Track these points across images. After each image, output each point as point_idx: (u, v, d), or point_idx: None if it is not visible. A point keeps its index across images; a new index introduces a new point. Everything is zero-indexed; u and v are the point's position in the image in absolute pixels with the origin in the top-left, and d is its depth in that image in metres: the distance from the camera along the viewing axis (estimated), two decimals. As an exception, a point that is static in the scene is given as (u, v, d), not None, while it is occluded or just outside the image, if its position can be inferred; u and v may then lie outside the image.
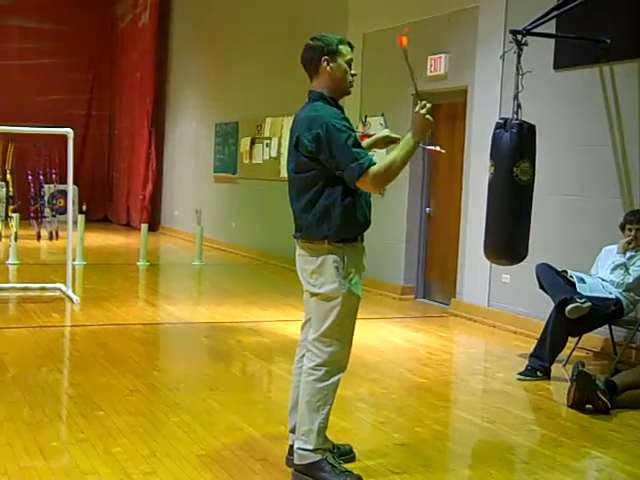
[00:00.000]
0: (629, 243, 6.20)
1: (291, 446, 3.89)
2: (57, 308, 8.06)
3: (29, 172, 13.07)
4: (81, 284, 9.78)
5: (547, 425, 4.91)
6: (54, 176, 12.87)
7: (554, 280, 6.20)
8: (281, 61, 11.93)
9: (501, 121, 6.24)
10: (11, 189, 12.59)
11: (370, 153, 3.75)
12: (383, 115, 9.63)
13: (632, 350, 6.42)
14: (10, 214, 11.94)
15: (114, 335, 6.93)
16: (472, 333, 7.80)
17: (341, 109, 3.80)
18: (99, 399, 4.94)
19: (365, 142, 3.96)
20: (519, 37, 6.33)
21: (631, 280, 6.10)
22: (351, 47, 3.84)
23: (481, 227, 6.53)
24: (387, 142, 4.13)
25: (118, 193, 19.08)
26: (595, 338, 6.70)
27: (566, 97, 7.33)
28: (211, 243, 13.82)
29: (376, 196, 3.79)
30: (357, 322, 3.80)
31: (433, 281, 9.44)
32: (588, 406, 5.13)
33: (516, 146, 6.04)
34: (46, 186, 13.33)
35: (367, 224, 3.79)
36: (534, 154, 6.13)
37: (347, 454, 4.03)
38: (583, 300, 5.86)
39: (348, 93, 3.86)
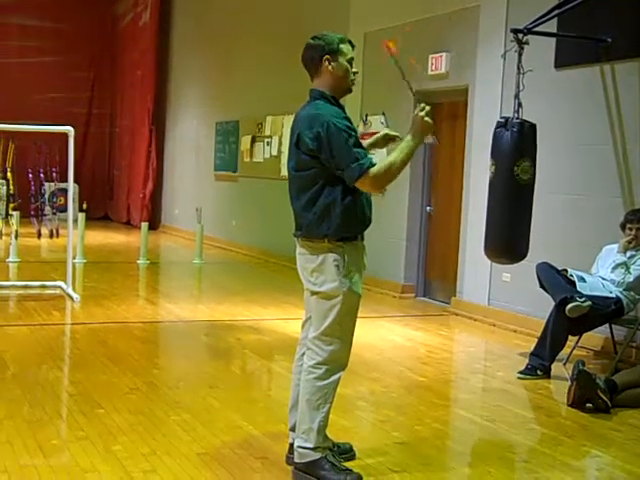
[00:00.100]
0: (629, 242, 6.20)
1: (291, 444, 3.89)
2: (57, 306, 8.06)
3: (30, 170, 13.07)
4: (81, 282, 9.78)
5: (547, 424, 4.91)
6: (54, 174, 12.87)
7: (554, 279, 6.20)
8: (282, 60, 11.93)
9: (502, 120, 6.24)
10: (11, 187, 12.59)
11: (370, 154, 3.75)
12: (384, 114, 9.63)
13: (632, 349, 6.42)
14: (10, 212, 11.95)
15: (114, 333, 6.94)
16: (472, 332, 7.80)
17: (342, 108, 3.80)
18: (99, 397, 4.95)
19: (365, 142, 3.96)
20: (520, 36, 6.33)
21: (632, 279, 6.10)
22: (352, 45, 3.84)
23: (482, 226, 6.53)
24: (387, 140, 4.12)
25: (119, 191, 19.08)
26: (595, 337, 6.70)
27: (567, 96, 7.33)
28: (211, 241, 13.82)
29: (377, 195, 3.79)
30: (357, 320, 3.80)
31: (433, 280, 9.44)
32: (588, 405, 5.13)
33: (517, 145, 6.04)
34: (46, 184, 13.32)
35: (367, 223, 3.79)
36: (535, 153, 6.13)
37: (347, 452, 4.04)
38: (583, 299, 5.86)
39: (350, 91, 3.86)
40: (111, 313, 7.82)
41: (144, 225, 12.03)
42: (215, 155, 14.88)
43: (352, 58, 3.81)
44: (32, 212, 12.70)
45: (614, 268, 6.18)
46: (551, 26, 6.95)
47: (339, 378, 3.77)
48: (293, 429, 3.89)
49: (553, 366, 6.02)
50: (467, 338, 7.67)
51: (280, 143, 12.20)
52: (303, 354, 3.86)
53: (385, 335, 7.40)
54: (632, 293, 6.13)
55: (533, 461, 4.24)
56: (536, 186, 6.19)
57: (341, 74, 3.78)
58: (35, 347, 6.29)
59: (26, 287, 8.97)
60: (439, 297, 9.23)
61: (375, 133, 4.25)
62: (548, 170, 7.07)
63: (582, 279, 6.15)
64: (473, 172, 8.34)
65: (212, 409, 4.86)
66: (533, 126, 6.12)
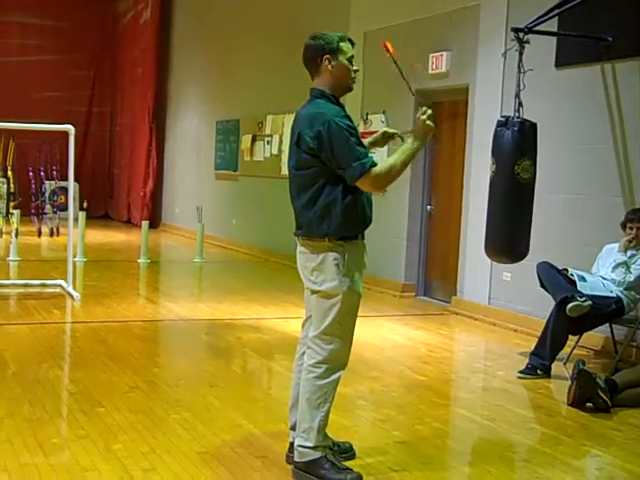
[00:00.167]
0: (630, 242, 6.19)
1: (291, 443, 3.89)
2: (58, 305, 8.06)
3: (30, 168, 13.09)
4: (82, 281, 9.77)
5: (547, 423, 4.91)
6: (55, 173, 12.89)
7: (555, 278, 6.20)
8: (282, 59, 11.93)
9: (502, 119, 6.24)
10: (12, 186, 12.61)
11: (370, 152, 3.75)
12: (384, 113, 9.63)
13: (633, 349, 6.42)
14: (11, 210, 11.96)
15: (114, 332, 6.94)
16: (472, 331, 7.80)
17: (342, 107, 3.80)
18: (99, 396, 4.95)
19: (365, 141, 3.96)
20: (521, 35, 6.33)
21: (632, 279, 6.10)
22: (352, 43, 3.83)
23: (482, 225, 6.53)
24: (386, 138, 4.13)
25: (119, 190, 19.08)
26: (596, 336, 6.70)
27: (567, 95, 7.33)
28: (212, 240, 13.83)
29: (377, 194, 3.80)
30: (358, 319, 3.80)
31: (434, 279, 9.44)
32: (588, 404, 5.13)
33: (517, 144, 6.04)
34: (47, 183, 13.35)
35: (368, 222, 3.79)
36: (535, 152, 6.13)
37: (347, 452, 4.04)
38: (584, 299, 5.86)
39: (350, 90, 3.85)
40: (111, 312, 7.83)
41: (144, 224, 12.03)
42: (215, 154, 14.87)
43: (352, 56, 3.80)
44: (32, 210, 12.73)
45: (615, 267, 6.18)
46: (552, 25, 6.95)
47: (339, 377, 3.77)
48: (293, 428, 3.89)
49: (553, 365, 6.01)
50: (467, 337, 7.67)
51: (280, 142, 12.19)
52: (303, 353, 3.86)
53: (385, 334, 7.40)
54: (632, 292, 6.13)
55: (533, 460, 4.24)
56: (536, 185, 6.19)
57: (341, 73, 3.77)
58: (35, 346, 6.29)
59: (26, 286, 8.97)
60: (439, 296, 9.23)
61: (375, 132, 4.25)
62: (549, 169, 7.07)
63: (582, 278, 6.15)
64: (474, 171, 8.33)
65: (212, 408, 4.86)
66: (534, 125, 6.12)
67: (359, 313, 3.80)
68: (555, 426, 4.83)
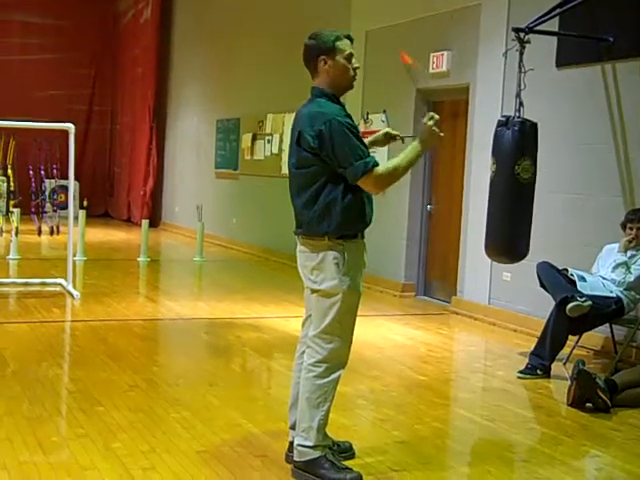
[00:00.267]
0: (630, 242, 6.19)
1: (291, 443, 3.89)
2: (57, 303, 8.06)
3: (30, 167, 13.08)
4: (82, 279, 9.78)
5: (547, 423, 4.91)
6: (55, 171, 12.89)
7: (555, 278, 6.19)
8: (282, 58, 11.93)
9: (503, 119, 6.23)
10: (12, 184, 12.61)
11: (371, 152, 3.75)
12: (385, 112, 9.63)
13: (632, 349, 6.42)
14: (11, 209, 11.96)
15: (114, 331, 6.93)
16: (472, 331, 7.80)
17: (343, 106, 3.79)
18: (99, 394, 4.95)
19: (366, 141, 3.96)
20: (521, 35, 6.32)
21: (632, 279, 6.09)
22: (351, 40, 3.80)
23: (482, 225, 6.53)
24: (387, 139, 4.13)
25: (119, 188, 19.08)
26: (595, 337, 6.70)
27: (568, 95, 7.32)
28: (212, 239, 13.82)
29: (377, 195, 3.79)
30: (357, 319, 3.80)
31: (434, 279, 9.44)
32: (588, 405, 5.13)
33: (518, 144, 6.04)
34: (47, 181, 13.36)
35: (368, 221, 3.79)
36: (536, 152, 6.13)
37: (347, 451, 4.03)
38: (584, 299, 5.85)
39: (350, 88, 3.84)
40: (111, 310, 7.83)
41: (144, 222, 12.03)
42: (216, 153, 14.87)
43: (351, 54, 3.77)
44: (32, 209, 12.73)
45: (615, 268, 6.17)
46: (552, 25, 6.94)
47: (339, 376, 3.77)
48: (293, 427, 3.89)
49: (553, 366, 6.01)
50: (467, 337, 7.67)
51: (281, 141, 12.19)
52: (303, 352, 3.86)
53: (385, 334, 7.39)
54: (632, 293, 6.13)
55: (533, 460, 4.24)
56: (537, 185, 6.18)
57: (338, 73, 3.76)
58: (35, 344, 6.29)
59: (26, 284, 8.96)
60: (439, 296, 9.23)
61: (376, 131, 4.25)
62: (549, 169, 7.07)
63: (582, 278, 6.15)
64: (474, 171, 8.33)
65: (212, 407, 4.86)
66: (534, 125, 6.11)
67: (359, 312, 3.80)
68: (555, 426, 4.83)
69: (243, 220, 13.65)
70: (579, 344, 6.47)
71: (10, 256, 10.98)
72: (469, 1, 8.48)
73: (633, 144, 6.71)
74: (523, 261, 6.35)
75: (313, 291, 3.75)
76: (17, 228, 11.03)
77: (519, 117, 6.14)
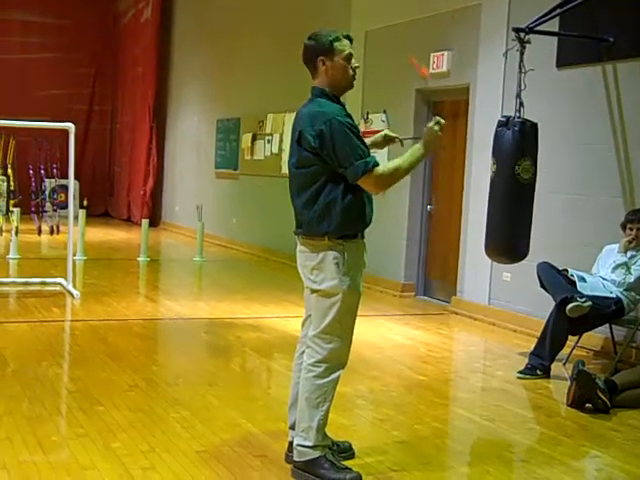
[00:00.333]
0: (630, 242, 6.19)
1: (290, 442, 3.89)
2: (57, 303, 8.06)
3: (30, 166, 13.08)
4: (81, 279, 9.78)
5: (546, 424, 4.91)
6: (55, 170, 12.89)
7: (555, 279, 6.19)
8: (283, 58, 11.93)
9: (503, 119, 6.23)
10: (12, 183, 12.61)
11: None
12: (385, 112, 9.63)
13: (632, 349, 6.42)
14: (11, 208, 11.96)
15: (114, 330, 6.93)
16: (472, 331, 7.80)
17: (343, 106, 3.80)
18: (99, 394, 4.95)
19: (366, 141, 3.96)
20: (522, 35, 6.32)
21: (632, 279, 6.09)
22: (350, 40, 3.79)
23: (482, 225, 6.52)
24: (386, 141, 4.14)
25: (119, 188, 19.08)
26: (595, 337, 6.70)
27: (568, 96, 7.32)
28: (212, 239, 13.83)
29: (377, 195, 3.80)
30: (357, 319, 3.80)
31: (434, 279, 9.44)
32: (588, 405, 5.13)
33: (518, 144, 6.03)
34: (47, 180, 13.35)
35: (368, 221, 3.79)
36: (536, 152, 6.12)
37: (346, 451, 4.03)
38: (584, 299, 5.85)
39: (350, 88, 3.84)
40: (111, 310, 7.82)
41: (144, 222, 12.03)
42: (216, 152, 14.87)
43: (350, 54, 3.77)
44: (32, 209, 12.73)
45: (615, 268, 6.17)
46: (553, 25, 6.94)
47: (338, 376, 3.76)
48: (292, 427, 3.89)
49: (553, 366, 6.01)
50: (467, 337, 7.67)
51: (281, 141, 12.20)
52: (303, 352, 3.86)
53: (385, 334, 7.39)
54: (632, 293, 6.13)
55: (532, 461, 4.24)
56: (537, 186, 6.18)
57: (337, 73, 3.76)
58: (35, 344, 6.29)
59: (26, 284, 8.96)
60: (439, 296, 9.23)
61: (376, 131, 4.25)
62: (549, 169, 7.07)
63: (582, 279, 6.15)
64: (474, 171, 8.33)
65: (211, 407, 4.86)
66: (534, 125, 6.11)
67: (359, 312, 3.80)
68: (554, 426, 4.83)
69: (243, 220, 13.65)
70: (579, 344, 6.47)
71: (10, 255, 10.98)
72: (469, 1, 8.48)
73: (633, 144, 6.71)
74: (523, 261, 6.34)
75: (313, 291, 3.75)
76: (17, 227, 11.03)
77: (519, 117, 6.14)
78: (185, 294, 9.43)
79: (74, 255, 9.57)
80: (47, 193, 13.66)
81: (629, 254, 6.20)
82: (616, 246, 6.28)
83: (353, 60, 3.79)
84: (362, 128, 9.43)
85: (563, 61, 7.33)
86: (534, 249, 6.35)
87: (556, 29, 7.09)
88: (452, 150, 8.88)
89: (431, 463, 4.11)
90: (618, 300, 6.07)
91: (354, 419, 4.79)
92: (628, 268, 6.13)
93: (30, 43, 18.64)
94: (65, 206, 10.24)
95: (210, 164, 15.06)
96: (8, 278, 9.42)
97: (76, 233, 10.19)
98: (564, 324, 5.93)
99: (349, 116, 3.73)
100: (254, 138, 13.18)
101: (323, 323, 3.70)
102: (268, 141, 12.69)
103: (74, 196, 10.03)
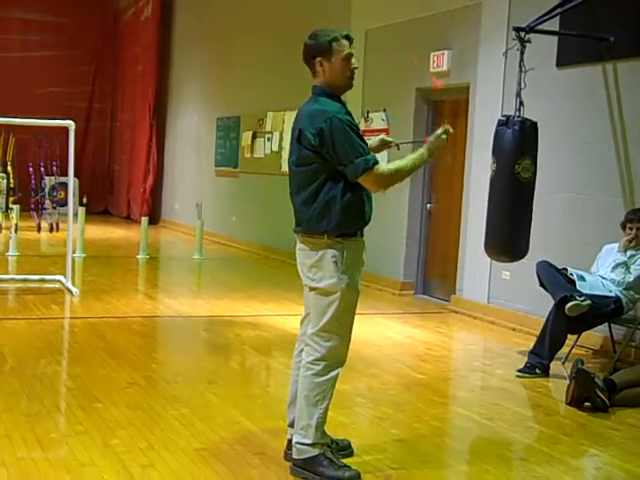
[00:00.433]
0: (630, 242, 6.19)
1: (289, 440, 3.89)
2: (56, 300, 8.06)
3: (30, 164, 13.05)
4: (81, 276, 9.78)
5: (545, 422, 4.91)
6: (55, 168, 12.85)
7: (554, 278, 6.19)
8: (283, 56, 11.92)
9: (503, 118, 6.23)
10: (12, 181, 12.59)
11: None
12: (385, 111, 9.62)
13: (631, 348, 6.42)
14: (10, 206, 11.94)
15: (113, 328, 6.93)
16: (471, 330, 7.80)
17: (343, 104, 3.80)
18: (97, 391, 4.95)
19: None
20: (522, 34, 6.32)
21: (632, 279, 6.09)
22: (350, 40, 3.78)
23: (482, 224, 6.53)
24: (383, 145, 4.15)
25: (119, 186, 19.08)
26: (594, 336, 6.70)
27: (568, 95, 7.32)
28: (211, 237, 13.82)
29: (377, 193, 3.80)
30: (356, 317, 3.80)
31: (433, 277, 9.44)
32: (587, 404, 5.13)
33: (518, 143, 6.04)
34: (47, 178, 13.31)
35: (367, 219, 3.79)
36: (536, 151, 6.13)
37: (345, 449, 4.03)
38: (583, 298, 5.85)
39: (348, 88, 3.83)
40: (110, 307, 7.82)
41: (144, 220, 12.03)
42: (216, 150, 14.87)
43: (349, 54, 3.76)
44: (32, 206, 12.68)
45: (614, 267, 6.17)
46: (553, 24, 6.94)
47: (337, 374, 3.77)
48: (291, 425, 3.89)
49: (552, 365, 6.01)
50: (466, 336, 7.67)
51: (281, 139, 12.19)
52: (302, 350, 3.86)
53: (384, 332, 7.39)
54: (632, 292, 6.13)
55: (531, 459, 4.24)
56: (537, 185, 6.19)
57: (335, 73, 3.75)
58: (34, 341, 6.29)
59: (25, 281, 8.96)
60: (438, 295, 9.23)
61: (376, 130, 4.26)
62: (549, 169, 7.06)
63: (582, 278, 6.15)
64: (474, 170, 8.33)
65: (210, 404, 4.86)
66: (534, 124, 6.11)
67: (358, 311, 3.80)
68: (553, 425, 4.84)
69: (243, 218, 13.65)
70: (578, 343, 6.47)
71: (9, 253, 10.99)
72: (469, 0, 8.47)
73: (633, 144, 6.71)
74: (522, 260, 6.35)
75: (312, 289, 3.76)
76: (16, 225, 11.02)
77: (519, 116, 6.14)
78: (184, 292, 9.43)
79: (73, 252, 9.57)
80: (47, 190, 13.62)
81: (629, 253, 6.20)
82: (616, 245, 6.28)
83: (353, 60, 3.78)
84: (362, 127, 9.43)
85: (563, 60, 7.33)
86: (534, 248, 6.35)
87: (556, 28, 7.09)
88: (452, 149, 8.87)
89: (430, 461, 4.12)
90: (617, 299, 6.07)
91: (353, 417, 4.79)
92: (627, 267, 6.13)
93: (30, 41, 18.63)
94: (65, 204, 10.22)
95: (210, 162, 15.05)
96: (7, 275, 9.42)
97: (75, 231, 10.19)
98: (563, 323, 5.94)
99: (349, 114, 3.73)
100: (254, 136, 13.18)
101: (322, 321, 3.70)
102: (268, 139, 12.69)
103: (74, 194, 10.02)
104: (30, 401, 4.71)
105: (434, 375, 5.92)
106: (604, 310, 6.03)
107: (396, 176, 3.70)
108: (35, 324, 6.88)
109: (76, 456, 3.86)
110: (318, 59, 3.74)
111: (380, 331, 7.40)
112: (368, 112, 9.90)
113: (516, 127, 6.04)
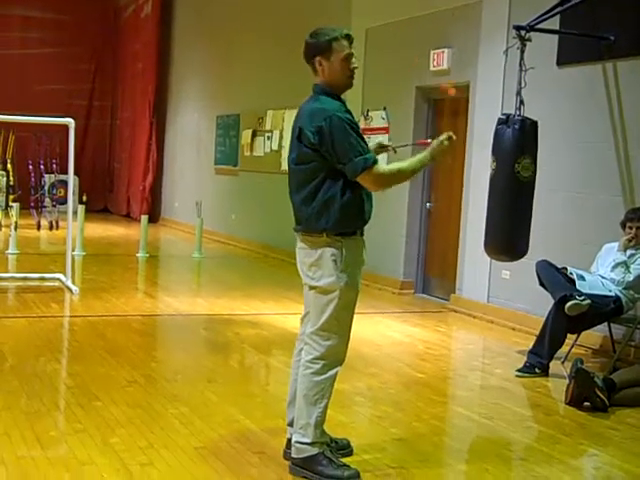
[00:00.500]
0: (629, 241, 6.19)
1: (289, 439, 3.89)
2: (56, 298, 8.06)
3: (30, 162, 13.05)
4: (80, 274, 9.77)
5: (545, 422, 4.91)
6: (55, 166, 12.85)
7: (554, 277, 6.19)
8: (283, 54, 11.91)
9: (503, 117, 6.23)
10: (11, 178, 12.58)
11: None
12: (385, 109, 9.62)
13: (631, 348, 6.42)
14: (10, 203, 11.93)
15: (113, 326, 6.93)
16: (471, 329, 7.80)
17: (343, 103, 3.79)
18: (97, 390, 4.95)
19: None
20: (522, 33, 6.32)
21: (631, 278, 6.09)
22: (350, 39, 3.78)
23: (482, 223, 6.52)
24: (380, 149, 4.17)
25: (119, 184, 19.07)
26: (594, 336, 6.70)
27: (569, 94, 7.32)
28: (211, 235, 13.81)
29: (376, 192, 3.80)
30: (355, 316, 3.80)
31: (433, 276, 9.43)
32: (586, 403, 5.13)
33: (518, 142, 6.03)
34: (47, 176, 13.31)
35: (367, 218, 3.79)
36: (536, 150, 6.12)
37: (344, 448, 4.03)
38: (583, 297, 5.85)
39: (348, 87, 3.83)
40: (110, 306, 7.82)
41: (144, 218, 12.02)
42: (215, 149, 14.86)
43: (349, 54, 3.75)
44: (32, 204, 12.69)
45: (614, 267, 6.17)
46: (553, 23, 6.93)
47: (336, 373, 3.77)
48: (291, 424, 3.89)
49: (551, 364, 6.01)
50: (466, 335, 7.67)
51: (281, 137, 12.19)
52: (301, 349, 3.86)
53: (383, 331, 7.39)
54: (631, 292, 6.12)
55: (531, 459, 4.24)
56: (537, 184, 6.18)
57: (334, 73, 3.75)
58: (33, 339, 6.28)
59: (25, 279, 8.96)
60: (438, 294, 9.23)
61: (376, 129, 4.26)
62: (549, 167, 7.06)
63: (582, 277, 6.14)
64: (474, 169, 8.33)
65: (210, 403, 4.86)
66: (534, 123, 6.11)
67: (357, 310, 3.80)
68: (553, 425, 4.83)
69: (242, 216, 13.65)
70: (577, 343, 6.47)
71: (9, 251, 10.98)
72: (470, -1, 8.47)
73: (633, 143, 6.70)
74: (522, 259, 6.35)
75: (311, 287, 3.76)
76: (16, 223, 11.01)
77: (519, 115, 6.14)
78: (184, 290, 9.43)
79: (73, 251, 9.57)
80: (46, 188, 13.62)
81: (628, 253, 6.19)
82: (616, 244, 6.27)
83: (353, 60, 3.77)
84: (362, 125, 9.42)
85: (563, 59, 7.32)
86: (533, 247, 6.35)
87: (557, 27, 7.08)
88: (452, 149, 8.86)
89: (429, 460, 4.12)
90: (617, 299, 6.07)
91: (352, 416, 4.79)
92: (627, 267, 6.13)
93: (30, 38, 18.61)
94: (64, 201, 10.22)
95: (210, 160, 15.05)
96: (7, 273, 9.42)
97: (75, 229, 10.18)
98: (563, 322, 5.93)
99: (349, 113, 3.73)
100: (254, 134, 13.18)
101: (321, 320, 3.70)
102: (268, 138, 12.68)
103: (73, 192, 10.02)
104: (29, 399, 4.71)
105: (433, 374, 5.92)
106: (604, 309, 6.02)
107: (396, 176, 3.70)
108: (35, 322, 6.88)
109: (75, 454, 3.86)
110: (318, 58, 3.74)
111: (379, 330, 7.40)
112: (368, 111, 9.89)
113: (516, 126, 6.03)
